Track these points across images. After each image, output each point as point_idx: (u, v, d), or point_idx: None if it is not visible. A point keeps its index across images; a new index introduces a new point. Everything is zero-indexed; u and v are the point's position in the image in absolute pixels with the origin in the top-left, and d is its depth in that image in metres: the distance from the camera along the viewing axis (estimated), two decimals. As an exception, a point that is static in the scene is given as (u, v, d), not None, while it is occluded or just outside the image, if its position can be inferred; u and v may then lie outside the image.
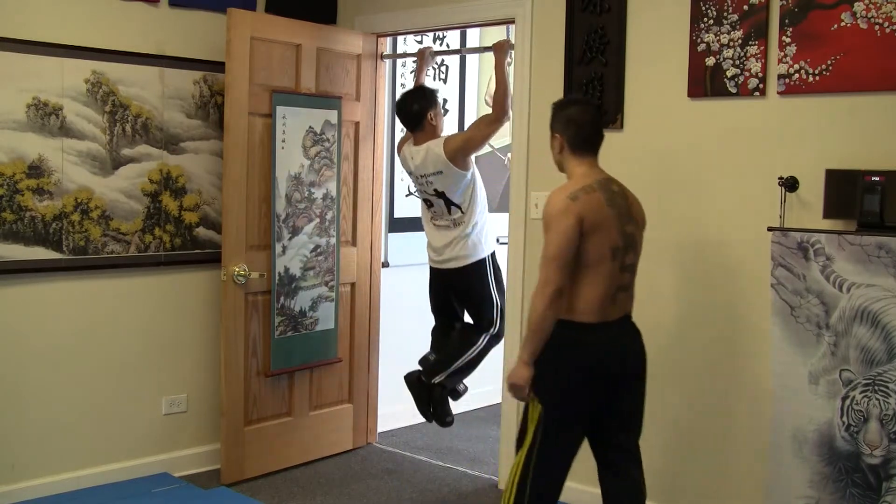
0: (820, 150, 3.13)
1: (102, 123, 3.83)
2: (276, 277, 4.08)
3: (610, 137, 3.70)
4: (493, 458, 4.42)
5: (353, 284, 4.53)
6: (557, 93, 3.82)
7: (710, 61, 3.39)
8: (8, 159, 3.58)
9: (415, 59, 4.52)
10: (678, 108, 3.51)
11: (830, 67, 3.11)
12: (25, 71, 3.59)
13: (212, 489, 3.96)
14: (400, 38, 4.72)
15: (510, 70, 4.10)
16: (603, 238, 2.79)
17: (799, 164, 3.18)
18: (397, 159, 4.93)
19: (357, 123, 4.48)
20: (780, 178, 3.16)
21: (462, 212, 4.02)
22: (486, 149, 5.32)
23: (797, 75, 3.18)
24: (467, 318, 4.26)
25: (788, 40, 3.19)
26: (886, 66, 2.99)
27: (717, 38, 3.36)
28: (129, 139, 3.92)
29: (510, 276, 4.06)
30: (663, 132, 3.56)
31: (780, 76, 3.22)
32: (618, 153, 3.69)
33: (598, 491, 3.78)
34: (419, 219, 5.01)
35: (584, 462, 3.85)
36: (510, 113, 4.01)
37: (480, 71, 5.50)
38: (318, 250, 4.27)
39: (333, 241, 4.33)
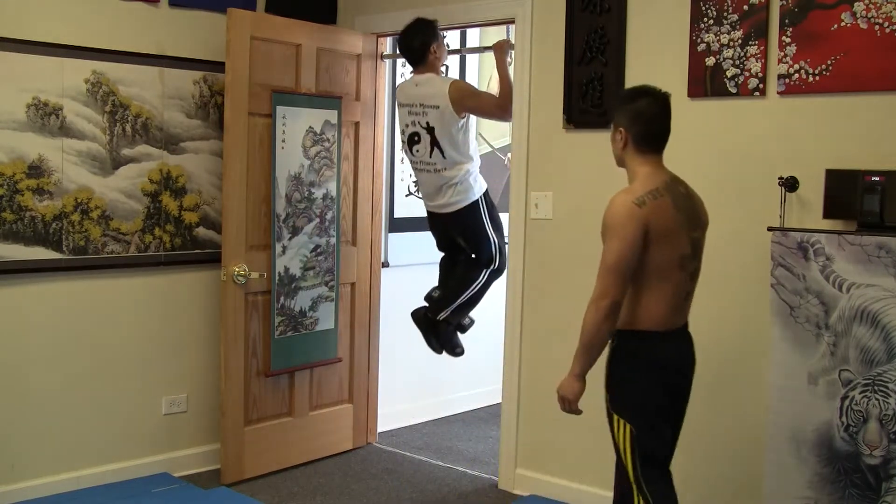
0: (820, 150, 3.13)
1: (102, 123, 3.83)
2: (276, 277, 4.08)
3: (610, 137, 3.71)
4: (493, 458, 4.42)
5: (353, 284, 4.53)
6: (557, 93, 3.82)
7: (710, 61, 3.39)
8: (8, 159, 3.58)
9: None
10: (678, 108, 3.46)
11: (830, 67, 3.11)
12: (25, 71, 3.59)
13: (212, 489, 3.96)
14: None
15: (510, 70, 4.09)
16: (671, 246, 2.64)
17: (799, 164, 3.18)
18: (397, 159, 4.94)
19: (357, 123, 4.48)
20: (780, 178, 3.16)
21: (444, 157, 4.03)
22: (486, 148, 5.33)
23: (797, 75, 3.18)
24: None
25: (788, 40, 3.19)
26: (886, 66, 2.99)
27: (717, 38, 3.36)
28: (129, 139, 3.92)
29: (510, 278, 4.05)
30: (663, 132, 3.56)
31: (780, 76, 3.22)
32: (618, 153, 3.69)
33: (600, 492, 3.79)
34: (419, 219, 5.02)
35: (585, 462, 3.86)
36: (511, 114, 4.01)
37: (480, 71, 5.50)
38: (318, 250, 4.27)
39: (333, 241, 4.33)
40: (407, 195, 5.03)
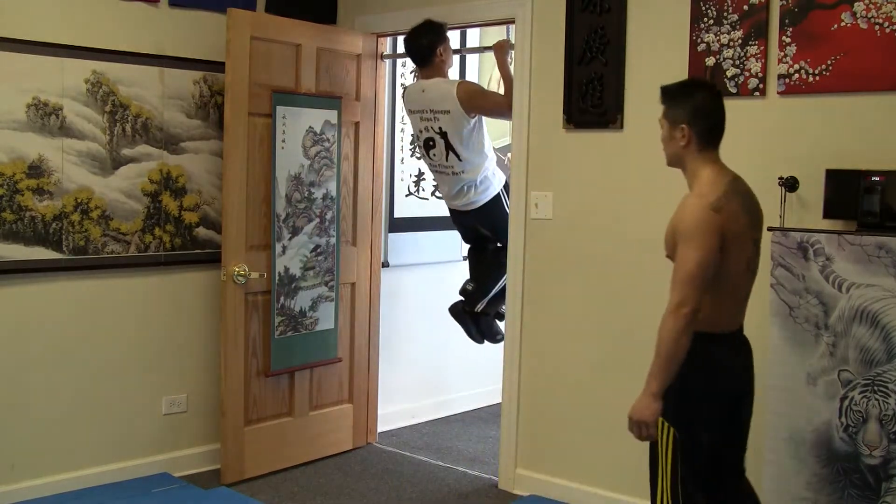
0: (820, 150, 3.12)
1: (102, 123, 3.83)
2: (276, 277, 4.08)
3: (610, 137, 3.71)
4: (493, 458, 4.42)
5: (353, 284, 4.53)
6: (557, 93, 3.82)
7: (710, 61, 3.38)
8: (8, 159, 3.58)
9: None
10: (678, 108, 3.50)
11: (830, 67, 3.10)
12: (25, 71, 3.59)
13: (212, 489, 3.96)
14: (400, 38, 4.71)
15: (510, 69, 4.10)
16: (740, 250, 2.56)
17: (799, 164, 3.18)
18: (397, 159, 4.94)
19: (357, 123, 4.48)
20: (780, 178, 3.16)
21: (460, 160, 4.06)
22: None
23: (797, 75, 3.17)
24: None
25: (788, 40, 3.19)
26: (886, 66, 2.99)
27: (717, 38, 3.36)
28: (129, 139, 3.92)
29: (510, 278, 4.05)
30: (663, 132, 3.55)
31: (780, 76, 3.22)
32: (618, 153, 3.69)
33: (600, 492, 3.78)
34: (419, 219, 5.02)
35: (585, 462, 3.86)
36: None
37: (480, 71, 5.50)
38: (318, 250, 4.27)
39: (333, 241, 4.33)
40: (407, 195, 5.03)
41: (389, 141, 4.84)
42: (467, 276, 4.47)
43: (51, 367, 3.76)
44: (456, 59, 5.31)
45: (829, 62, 3.11)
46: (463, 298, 4.38)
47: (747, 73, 3.29)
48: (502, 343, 4.16)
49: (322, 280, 4.29)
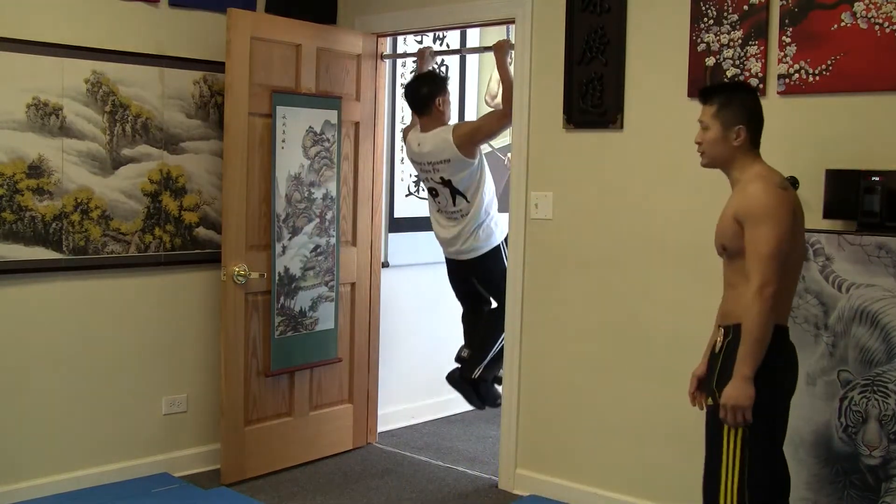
0: (820, 150, 3.12)
1: (102, 123, 3.83)
2: (276, 277, 4.09)
3: (610, 137, 3.71)
4: (493, 458, 4.42)
5: (353, 284, 4.53)
6: (557, 93, 3.82)
7: (710, 61, 3.38)
8: (8, 159, 3.58)
9: (415, 59, 4.52)
10: (678, 108, 3.50)
11: (830, 67, 3.10)
12: (25, 71, 3.59)
13: (212, 489, 3.96)
14: (400, 38, 4.72)
15: (510, 70, 4.10)
16: (801, 239, 2.62)
17: (799, 164, 3.18)
18: (397, 159, 4.94)
19: (357, 123, 4.48)
20: (780, 178, 3.16)
21: (467, 201, 4.05)
22: (486, 148, 5.33)
23: (797, 75, 3.17)
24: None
25: (788, 40, 3.19)
26: (886, 66, 2.99)
27: (717, 38, 3.36)
28: (129, 139, 3.92)
29: (510, 277, 4.05)
30: (663, 132, 3.56)
31: (780, 76, 3.22)
32: (618, 153, 3.69)
33: (600, 492, 3.78)
34: (419, 219, 5.01)
35: (585, 462, 3.85)
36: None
37: (480, 71, 5.50)
38: (318, 250, 4.27)
39: (333, 241, 4.33)
40: (407, 195, 5.03)
41: (389, 141, 4.84)
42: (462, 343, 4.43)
43: (51, 367, 3.76)
44: (456, 59, 5.32)
45: (829, 62, 3.11)
46: (459, 366, 4.31)
47: (747, 74, 3.29)
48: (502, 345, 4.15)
49: (322, 280, 4.29)
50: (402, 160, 4.97)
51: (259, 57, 3.98)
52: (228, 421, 4.00)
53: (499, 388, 4.31)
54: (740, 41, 3.30)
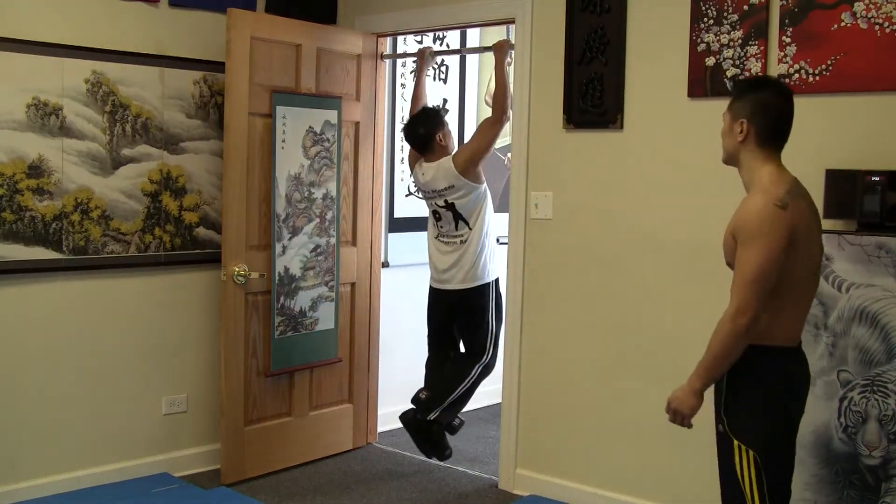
0: (820, 150, 3.12)
1: (102, 123, 3.83)
2: (276, 277, 4.09)
3: (610, 137, 3.71)
4: (493, 458, 4.42)
5: (353, 284, 4.53)
6: (557, 93, 3.82)
7: (710, 61, 3.38)
8: (8, 159, 3.58)
9: (415, 59, 4.52)
10: (678, 108, 3.50)
11: (830, 67, 3.10)
12: (25, 71, 3.59)
13: (212, 489, 3.96)
14: (400, 38, 4.72)
15: (510, 70, 4.10)
16: (807, 253, 2.39)
17: (799, 164, 3.16)
18: (397, 159, 4.94)
19: (357, 123, 4.48)
20: (780, 178, 3.16)
21: (469, 228, 4.02)
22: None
23: (797, 75, 3.17)
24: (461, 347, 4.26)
25: (788, 40, 3.19)
26: (886, 66, 2.99)
27: (717, 38, 3.36)
28: (129, 139, 3.92)
29: (510, 278, 4.05)
30: (663, 132, 3.56)
31: (780, 76, 3.21)
32: (618, 153, 3.69)
33: (600, 492, 3.78)
34: (419, 219, 5.01)
35: (585, 462, 3.85)
36: (510, 113, 4.01)
37: (480, 71, 5.50)
38: (318, 250, 4.27)
39: (333, 241, 4.33)
40: (407, 195, 5.03)
41: (389, 141, 4.84)
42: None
43: (51, 367, 3.76)
44: (456, 59, 5.32)
45: (829, 62, 3.10)
46: (415, 407, 4.15)
47: (747, 74, 3.29)
48: (502, 343, 4.14)
49: (322, 280, 4.29)
50: (403, 160, 4.97)
51: (259, 57, 3.98)
52: (228, 421, 4.00)
53: (449, 440, 4.21)
54: (740, 41, 3.30)
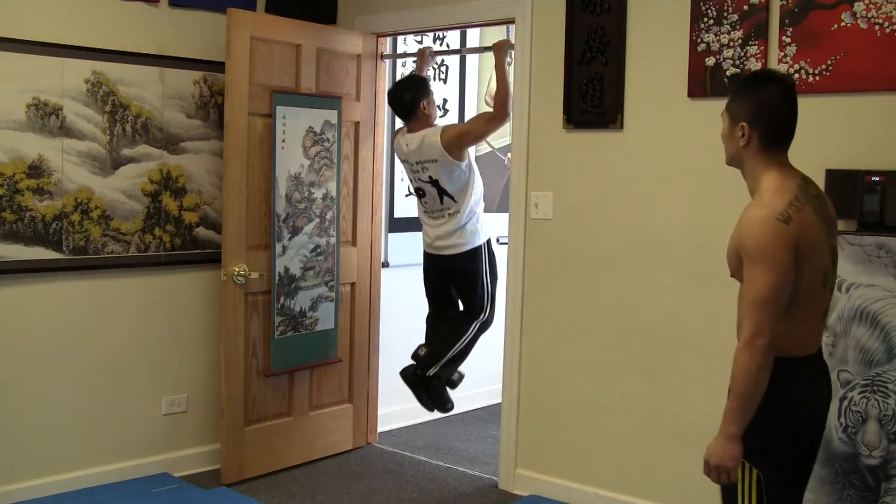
0: (820, 150, 3.12)
1: (102, 123, 3.83)
2: (276, 277, 4.08)
3: (610, 137, 3.71)
4: (493, 458, 4.42)
5: (353, 284, 4.53)
6: (557, 93, 3.82)
7: (710, 61, 3.38)
8: (8, 159, 3.58)
9: (415, 59, 4.52)
10: (678, 108, 3.50)
11: (830, 67, 3.10)
12: (25, 71, 3.59)
13: (212, 489, 3.96)
14: (400, 38, 4.72)
15: (510, 70, 4.10)
16: (816, 263, 2.23)
17: (799, 164, 3.15)
18: (397, 159, 4.93)
19: (357, 123, 4.48)
20: (780, 178, 3.15)
21: (454, 201, 4.03)
22: (485, 148, 5.33)
23: (797, 75, 3.17)
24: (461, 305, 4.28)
25: (788, 40, 3.19)
26: (886, 66, 2.99)
27: (717, 38, 3.36)
28: (129, 139, 3.92)
29: (510, 278, 4.05)
30: (663, 132, 3.56)
31: (779, 76, 3.22)
32: (618, 153, 3.69)
33: (600, 492, 3.78)
34: (419, 219, 5.01)
35: (585, 462, 3.85)
36: (511, 113, 4.01)
37: (480, 71, 5.50)
38: (318, 250, 4.27)
39: (333, 241, 4.33)
40: (407, 195, 5.03)
41: (389, 141, 4.83)
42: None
43: (51, 367, 3.76)
44: (456, 59, 5.32)
45: (829, 62, 3.10)
46: (415, 363, 4.20)
47: (747, 73, 3.29)
48: (502, 343, 4.15)
49: (322, 280, 4.29)
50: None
51: (259, 57, 3.98)
52: (228, 421, 4.00)
53: (450, 392, 4.25)
54: (740, 41, 3.30)
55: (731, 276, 2.36)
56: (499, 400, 4.26)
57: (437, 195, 4.04)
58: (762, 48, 3.25)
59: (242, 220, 3.99)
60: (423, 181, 4.06)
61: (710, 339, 3.45)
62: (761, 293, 2.15)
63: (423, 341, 4.27)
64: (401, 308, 4.96)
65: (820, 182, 3.06)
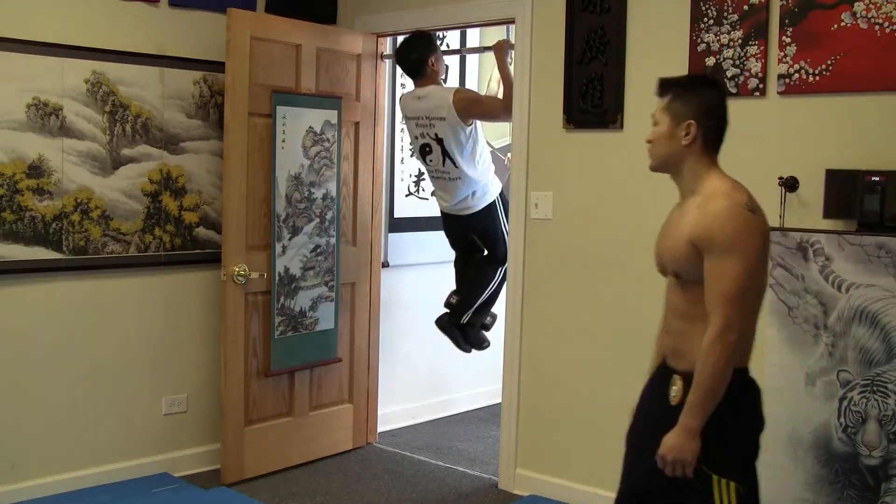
0: (820, 150, 3.12)
1: (102, 123, 3.83)
2: (276, 277, 4.08)
3: (610, 137, 3.71)
4: (493, 458, 4.42)
5: (353, 284, 4.53)
6: (557, 93, 3.82)
7: (710, 61, 3.38)
8: (8, 159, 3.58)
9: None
10: (678, 108, 3.50)
11: (830, 67, 3.10)
12: (25, 71, 3.59)
13: (212, 489, 3.96)
14: (400, 39, 4.71)
15: (510, 70, 4.10)
16: (766, 269, 2.24)
17: (799, 164, 3.18)
18: (397, 159, 4.94)
19: (357, 123, 4.48)
20: (780, 178, 3.16)
21: (456, 166, 4.08)
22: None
23: (797, 75, 3.17)
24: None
25: (788, 40, 3.19)
26: (886, 66, 2.98)
27: (717, 38, 3.36)
28: (129, 139, 3.92)
29: (510, 278, 4.05)
30: (663, 132, 3.55)
31: (780, 76, 3.22)
32: (618, 153, 3.69)
33: (600, 492, 3.78)
34: (419, 219, 5.02)
35: (585, 462, 3.85)
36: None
37: (480, 71, 5.50)
38: (318, 250, 4.27)
39: (333, 241, 4.33)
40: (407, 195, 5.03)
41: (389, 141, 4.84)
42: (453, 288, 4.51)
43: (51, 367, 3.76)
44: (456, 59, 5.32)
45: (829, 62, 3.10)
46: (448, 311, 4.41)
47: (747, 73, 3.29)
48: (502, 343, 4.15)
49: (322, 280, 4.29)
50: (402, 160, 4.97)
51: (259, 57, 3.98)
52: (228, 421, 4.00)
53: (486, 333, 4.47)
54: (740, 41, 3.30)
55: (665, 272, 2.36)
56: (499, 400, 4.26)
57: (441, 155, 4.09)
58: (762, 48, 3.25)
59: (242, 220, 3.99)
60: (430, 137, 4.11)
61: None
62: (736, 286, 2.10)
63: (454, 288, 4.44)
64: (401, 308, 4.96)
65: (820, 182, 3.08)
